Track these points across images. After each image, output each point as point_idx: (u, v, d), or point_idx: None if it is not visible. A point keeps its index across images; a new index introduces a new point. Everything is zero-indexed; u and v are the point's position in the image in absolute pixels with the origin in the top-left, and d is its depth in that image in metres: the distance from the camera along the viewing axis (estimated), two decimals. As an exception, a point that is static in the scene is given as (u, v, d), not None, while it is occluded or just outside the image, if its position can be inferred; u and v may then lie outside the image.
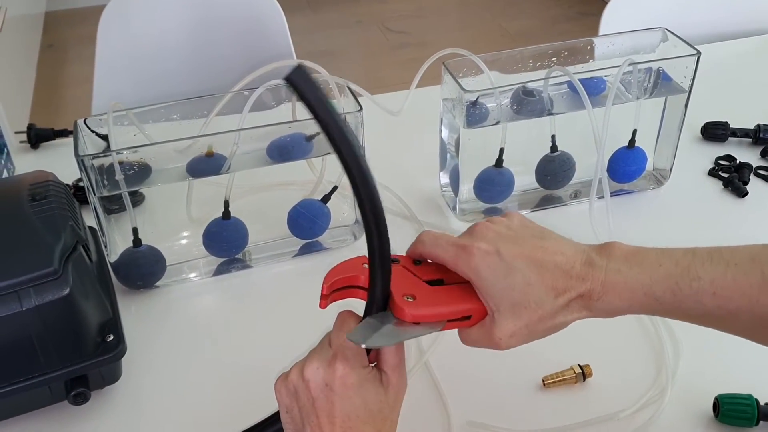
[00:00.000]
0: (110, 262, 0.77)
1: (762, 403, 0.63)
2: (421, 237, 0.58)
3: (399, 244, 0.86)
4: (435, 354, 0.71)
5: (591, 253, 0.53)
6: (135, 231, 0.76)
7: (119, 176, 0.73)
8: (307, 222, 0.82)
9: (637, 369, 0.69)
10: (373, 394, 0.53)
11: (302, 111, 0.83)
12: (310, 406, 0.52)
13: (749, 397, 0.63)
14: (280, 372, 0.55)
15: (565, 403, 0.66)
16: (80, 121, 0.76)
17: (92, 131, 0.77)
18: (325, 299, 0.55)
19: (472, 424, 0.64)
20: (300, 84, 0.42)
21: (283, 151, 0.79)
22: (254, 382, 0.67)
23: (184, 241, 0.82)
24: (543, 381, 0.67)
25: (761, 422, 0.62)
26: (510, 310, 0.52)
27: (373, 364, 0.54)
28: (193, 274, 0.82)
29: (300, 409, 0.52)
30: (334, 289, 0.55)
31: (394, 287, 0.54)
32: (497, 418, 0.64)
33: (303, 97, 0.43)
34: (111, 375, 0.66)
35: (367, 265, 0.54)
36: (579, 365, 0.67)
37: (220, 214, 0.79)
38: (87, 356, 0.63)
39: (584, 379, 0.67)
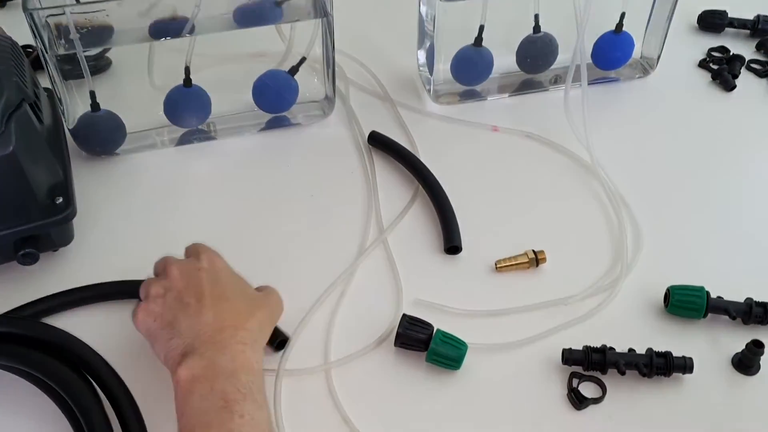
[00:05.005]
0: (70, 128, 0.75)
1: (713, 296, 0.63)
2: None
3: (372, 125, 0.84)
4: (393, 233, 0.71)
5: None
6: (92, 95, 0.74)
7: (74, 35, 0.69)
8: (272, 94, 0.79)
9: (594, 259, 0.69)
10: (243, 281, 0.55)
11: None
12: (177, 299, 0.52)
13: (701, 289, 0.62)
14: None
15: (515, 288, 0.66)
16: (32, -25, 0.71)
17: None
18: None
19: (420, 303, 0.64)
20: None
21: (250, 15, 0.75)
22: (211, 243, 0.66)
23: (147, 109, 0.80)
24: (495, 265, 0.66)
25: (709, 314, 0.62)
26: None
27: None
28: (155, 143, 0.80)
29: (165, 313, 0.52)
30: None
31: None
32: (446, 298, 0.64)
33: None
34: (62, 237, 0.66)
35: None
36: (533, 251, 0.67)
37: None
38: (34, 217, 0.62)
39: (537, 265, 0.66)
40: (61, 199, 0.64)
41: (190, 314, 0.50)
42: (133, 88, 0.82)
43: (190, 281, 0.52)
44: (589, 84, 0.79)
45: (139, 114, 0.79)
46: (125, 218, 0.73)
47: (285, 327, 0.62)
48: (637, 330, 0.63)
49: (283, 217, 0.73)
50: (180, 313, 0.51)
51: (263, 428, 0.46)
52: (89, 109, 0.75)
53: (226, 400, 0.45)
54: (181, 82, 0.77)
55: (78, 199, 0.67)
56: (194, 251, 0.57)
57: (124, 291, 0.64)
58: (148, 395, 0.55)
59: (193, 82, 0.77)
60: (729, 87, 0.86)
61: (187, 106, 0.78)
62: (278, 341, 0.60)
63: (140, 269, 0.67)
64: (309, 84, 0.81)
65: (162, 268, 0.56)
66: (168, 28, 0.74)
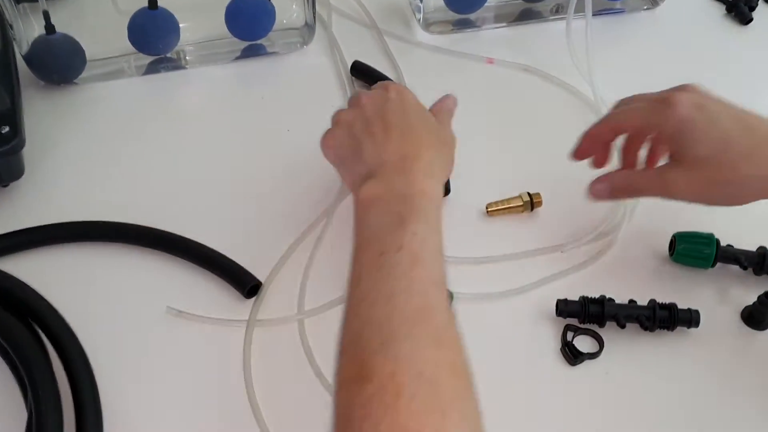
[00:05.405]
0: (23, 54, 0.69)
1: (723, 244, 0.58)
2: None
3: (355, 54, 0.78)
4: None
5: None
6: (46, 15, 0.67)
7: (21, -54, 0.62)
8: (246, 19, 0.73)
9: (594, 203, 0.63)
10: (429, 116, 0.55)
11: None
12: (365, 127, 0.53)
13: (710, 236, 0.57)
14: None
15: (507, 233, 0.61)
16: None
17: None
18: None
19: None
20: None
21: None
22: (178, 181, 0.64)
23: (111, 36, 0.73)
24: (486, 208, 0.61)
25: (718, 264, 0.57)
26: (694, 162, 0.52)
27: None
28: (120, 70, 0.73)
29: (352, 140, 0.53)
30: None
31: None
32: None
33: None
34: (10, 171, 0.60)
35: None
36: (528, 193, 0.61)
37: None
38: (-24, 148, 0.56)
39: (532, 209, 0.61)
40: (7, 128, 0.58)
41: (375, 142, 0.52)
42: (97, 13, 0.74)
43: (379, 110, 0.54)
44: (593, 15, 0.73)
45: (102, 40, 0.73)
46: (84, 152, 0.67)
47: (258, 272, 0.57)
48: (638, 280, 0.58)
49: (257, 152, 0.67)
50: (366, 140, 0.52)
51: (435, 249, 0.45)
52: (44, 32, 0.68)
53: (401, 218, 0.46)
54: (146, 4, 0.70)
55: (31, 131, 0.62)
56: (383, 85, 0.58)
57: (77, 233, 0.58)
58: (99, 346, 0.51)
59: (161, 5, 0.70)
60: (745, 20, 0.80)
61: (152, 31, 0.71)
62: (250, 287, 0.56)
63: (98, 207, 0.62)
64: (287, 9, 0.75)
65: (354, 99, 0.57)
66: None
